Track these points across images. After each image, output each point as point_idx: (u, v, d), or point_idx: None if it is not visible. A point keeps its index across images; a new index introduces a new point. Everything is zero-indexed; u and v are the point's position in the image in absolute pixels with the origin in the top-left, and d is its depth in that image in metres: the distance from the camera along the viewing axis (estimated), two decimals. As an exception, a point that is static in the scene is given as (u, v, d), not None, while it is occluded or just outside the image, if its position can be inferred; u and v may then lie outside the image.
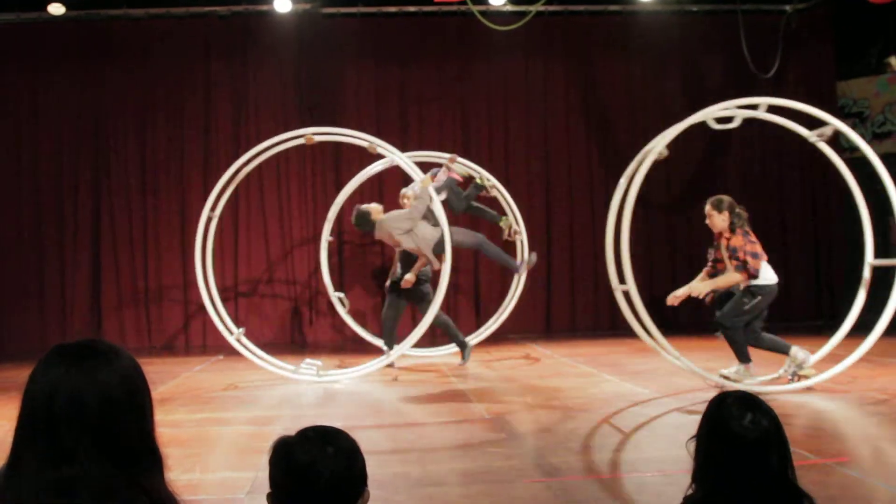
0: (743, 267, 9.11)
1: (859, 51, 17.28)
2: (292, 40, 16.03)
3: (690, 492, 2.76)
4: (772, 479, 2.62)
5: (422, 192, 11.12)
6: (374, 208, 11.76)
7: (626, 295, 9.60)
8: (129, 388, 2.07)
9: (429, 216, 11.33)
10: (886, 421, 7.66)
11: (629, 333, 15.45)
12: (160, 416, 7.14)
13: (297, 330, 16.04)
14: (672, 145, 16.79)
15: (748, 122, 16.89)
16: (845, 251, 15.72)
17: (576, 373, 10.91)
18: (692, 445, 2.77)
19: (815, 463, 5.90)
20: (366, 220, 11.54)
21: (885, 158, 16.19)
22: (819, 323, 15.08)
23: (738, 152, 15.28)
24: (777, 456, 2.64)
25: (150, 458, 2.09)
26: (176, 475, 5.84)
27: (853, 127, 11.05)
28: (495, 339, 14.61)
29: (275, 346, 15.11)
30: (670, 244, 16.58)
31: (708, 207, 9.55)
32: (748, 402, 2.71)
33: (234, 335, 11.13)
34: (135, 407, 2.08)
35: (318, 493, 2.40)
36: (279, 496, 2.46)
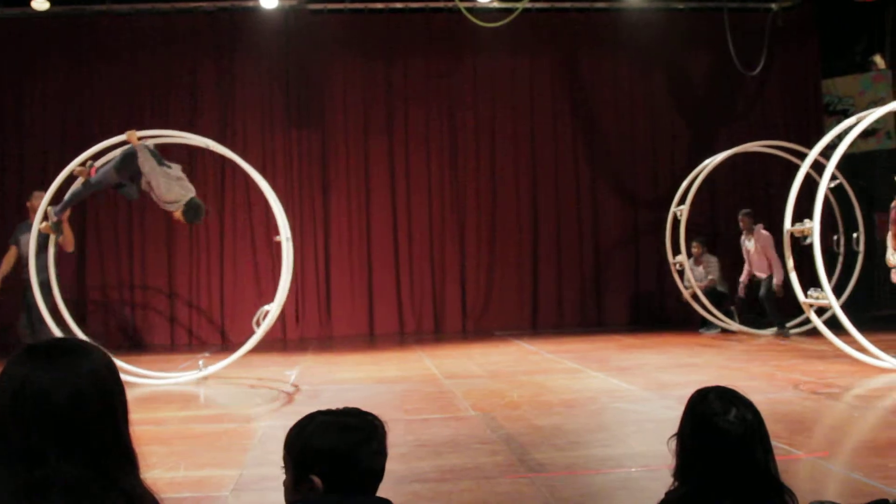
0: None
1: (844, 49, 17.33)
2: (279, 36, 16.00)
3: (672, 488, 2.76)
4: (756, 473, 2.62)
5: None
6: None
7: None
8: (99, 387, 2.03)
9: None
10: (866, 416, 7.71)
11: (615, 329, 15.62)
12: (144, 415, 7.14)
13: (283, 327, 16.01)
14: (658, 144, 16.93)
15: (735, 119, 17.10)
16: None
17: (562, 369, 10.91)
18: (673, 443, 2.77)
19: (797, 457, 5.92)
20: None
21: (869, 156, 16.41)
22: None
23: (723, 150, 15.29)
24: (761, 449, 2.65)
25: (124, 458, 2.06)
26: (159, 473, 5.86)
27: (837, 124, 11.10)
28: (482, 335, 14.62)
29: (260, 345, 15.12)
30: (657, 238, 16.59)
31: None
32: (730, 398, 2.71)
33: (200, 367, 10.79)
34: (106, 406, 2.04)
35: (364, 471, 2.51)
36: (329, 481, 2.50)
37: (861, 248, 14.03)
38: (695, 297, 14.75)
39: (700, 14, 16.88)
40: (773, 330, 14.03)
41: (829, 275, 13.95)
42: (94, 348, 2.09)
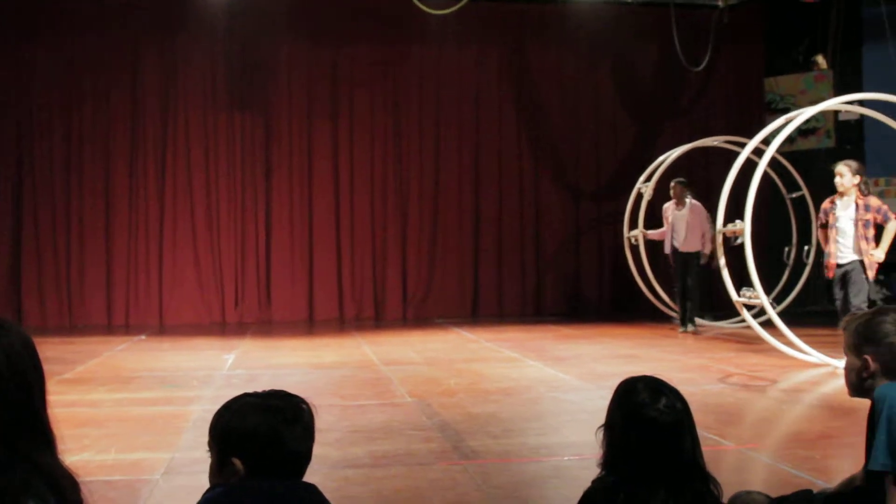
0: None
1: (788, 48, 17.57)
2: (223, 18, 15.77)
3: (599, 477, 2.77)
4: (684, 461, 2.64)
5: None
6: None
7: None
8: (14, 365, 2.00)
9: None
10: (795, 409, 7.84)
11: (555, 320, 15.70)
12: (79, 396, 7.05)
13: (222, 311, 15.91)
14: (602, 137, 17.01)
15: (679, 114, 17.25)
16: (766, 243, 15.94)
17: (500, 357, 10.95)
18: (602, 433, 2.78)
19: (727, 448, 6.00)
20: None
21: (809, 154, 16.63)
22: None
23: (666, 145, 15.43)
24: (689, 438, 2.67)
25: (41, 438, 2.04)
26: (91, 455, 5.79)
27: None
28: (422, 323, 14.61)
29: (199, 328, 15.03)
30: (598, 231, 16.74)
31: (842, 167, 9.72)
32: (658, 387, 2.73)
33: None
34: (21, 384, 2.01)
35: (297, 454, 2.49)
36: (252, 463, 2.47)
37: (810, 260, 14.17)
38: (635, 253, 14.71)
39: (647, 9, 16.99)
40: (692, 326, 13.46)
41: (777, 280, 14.22)
42: (10, 326, 2.06)
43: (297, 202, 16.20)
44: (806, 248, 14.07)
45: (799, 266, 14.52)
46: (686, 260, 13.47)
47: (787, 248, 14.30)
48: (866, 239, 9.48)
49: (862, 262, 9.46)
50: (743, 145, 14.86)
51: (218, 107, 16.02)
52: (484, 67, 16.94)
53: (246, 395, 2.58)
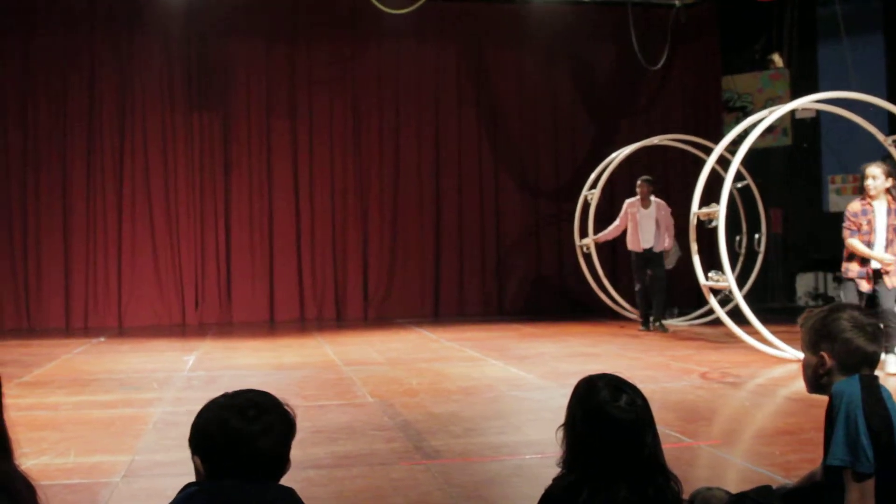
0: None
1: (744, 47, 17.75)
2: (180, 15, 15.64)
3: (559, 476, 2.77)
4: (645, 458, 2.65)
5: None
6: None
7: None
8: None
9: None
10: (757, 405, 7.90)
11: (516, 318, 15.73)
12: (36, 399, 6.97)
13: (182, 313, 15.79)
14: (560, 135, 17.06)
15: (637, 113, 17.35)
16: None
17: (461, 357, 10.95)
18: (561, 433, 2.78)
19: (688, 445, 6.03)
20: None
21: (766, 152, 16.80)
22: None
23: (624, 143, 15.50)
24: (650, 434, 2.68)
25: None
26: (50, 459, 5.74)
27: (737, 121, 11.33)
28: (383, 323, 14.58)
29: (159, 330, 14.92)
30: (558, 230, 16.79)
31: (878, 170, 8.97)
32: (618, 384, 2.73)
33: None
34: None
35: (261, 454, 2.46)
36: (216, 462, 2.45)
37: (762, 248, 14.33)
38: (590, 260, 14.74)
39: (604, 8, 17.08)
40: (661, 328, 13.40)
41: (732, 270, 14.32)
42: None
43: (256, 202, 16.10)
44: (756, 236, 14.24)
45: (751, 257, 14.69)
46: (651, 259, 13.50)
47: (737, 238, 14.45)
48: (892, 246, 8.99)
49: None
50: (691, 143, 15.06)
51: (175, 106, 15.90)
52: (442, 66, 16.94)
53: (224, 394, 2.56)
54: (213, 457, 2.43)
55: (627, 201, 13.84)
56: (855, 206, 9.10)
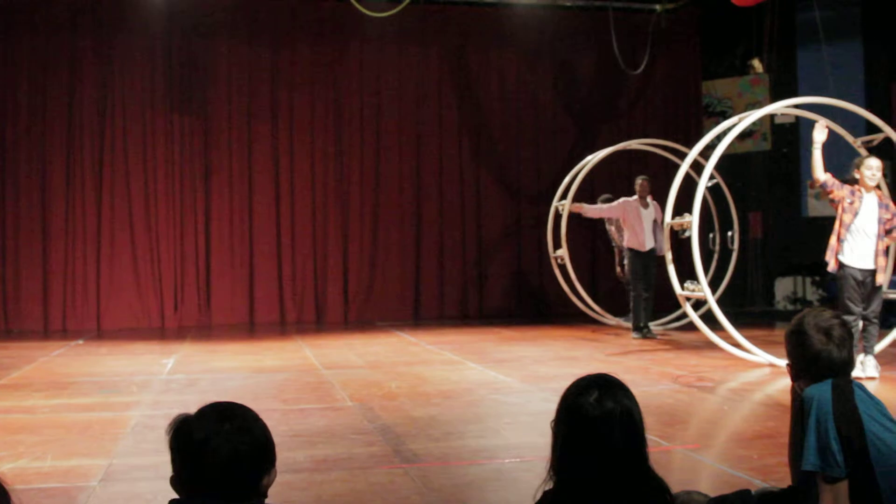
0: None
1: (724, 52, 17.85)
2: (162, 17, 15.59)
3: (550, 484, 2.71)
4: (634, 462, 2.62)
5: None
6: None
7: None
8: None
9: None
10: (735, 409, 7.94)
11: (496, 322, 15.74)
12: (14, 402, 6.92)
13: (161, 316, 15.73)
14: (542, 139, 17.09)
15: (618, 117, 17.41)
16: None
17: (441, 360, 10.95)
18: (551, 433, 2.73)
19: (667, 449, 6.05)
20: None
21: (746, 157, 16.88)
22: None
23: (605, 147, 15.53)
24: (640, 437, 2.64)
25: None
26: (27, 463, 5.71)
27: (716, 126, 11.35)
28: (363, 326, 14.56)
29: (138, 332, 14.86)
30: (539, 233, 16.79)
31: (878, 163, 9.09)
32: (609, 385, 2.67)
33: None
34: None
35: (215, 470, 2.30)
36: (180, 477, 2.36)
37: (735, 246, 14.40)
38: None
39: (586, 13, 17.14)
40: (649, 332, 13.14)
41: (705, 271, 14.32)
42: None
43: (236, 204, 16.06)
44: (729, 233, 14.30)
45: (725, 255, 14.75)
46: (652, 260, 13.11)
47: (710, 235, 14.51)
48: (885, 253, 9.04)
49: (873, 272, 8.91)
50: (664, 147, 15.09)
51: (156, 108, 15.84)
52: (424, 70, 16.96)
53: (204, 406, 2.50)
54: (179, 469, 2.39)
55: (625, 199, 13.44)
56: (846, 188, 9.08)
